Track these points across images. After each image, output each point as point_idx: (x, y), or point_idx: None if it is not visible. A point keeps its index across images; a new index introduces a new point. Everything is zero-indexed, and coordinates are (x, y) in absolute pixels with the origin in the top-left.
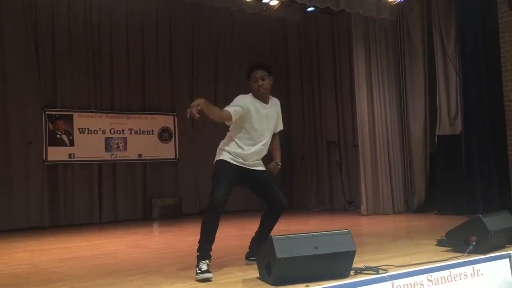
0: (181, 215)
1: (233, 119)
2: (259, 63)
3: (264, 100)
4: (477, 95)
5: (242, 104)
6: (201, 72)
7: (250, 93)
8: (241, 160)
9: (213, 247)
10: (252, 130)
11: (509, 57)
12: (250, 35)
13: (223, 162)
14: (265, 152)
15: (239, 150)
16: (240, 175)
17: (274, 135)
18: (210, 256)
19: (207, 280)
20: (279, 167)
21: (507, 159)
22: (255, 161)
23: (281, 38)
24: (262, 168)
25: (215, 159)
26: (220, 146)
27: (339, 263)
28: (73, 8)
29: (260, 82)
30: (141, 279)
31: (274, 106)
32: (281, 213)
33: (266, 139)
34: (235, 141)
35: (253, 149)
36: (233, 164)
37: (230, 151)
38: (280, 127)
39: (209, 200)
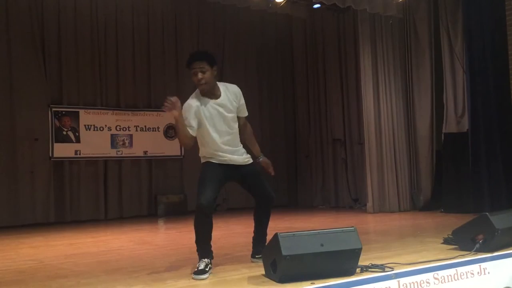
0: (186, 212)
1: (194, 134)
2: (197, 53)
3: (211, 94)
4: (484, 92)
5: (192, 115)
6: None
7: (197, 90)
8: (227, 159)
9: (218, 244)
10: (212, 133)
11: None
12: (256, 32)
13: (208, 164)
14: (237, 140)
15: (219, 153)
16: (226, 174)
17: (243, 124)
18: (211, 252)
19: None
20: (265, 158)
21: None
22: (239, 154)
23: (286, 35)
24: (249, 160)
25: (202, 162)
26: (202, 154)
27: (345, 261)
28: (79, 5)
29: (200, 76)
30: (147, 276)
31: (228, 96)
32: (270, 206)
33: (230, 134)
34: (210, 149)
35: (225, 147)
36: (218, 164)
37: (213, 156)
38: (244, 113)
39: (196, 204)
